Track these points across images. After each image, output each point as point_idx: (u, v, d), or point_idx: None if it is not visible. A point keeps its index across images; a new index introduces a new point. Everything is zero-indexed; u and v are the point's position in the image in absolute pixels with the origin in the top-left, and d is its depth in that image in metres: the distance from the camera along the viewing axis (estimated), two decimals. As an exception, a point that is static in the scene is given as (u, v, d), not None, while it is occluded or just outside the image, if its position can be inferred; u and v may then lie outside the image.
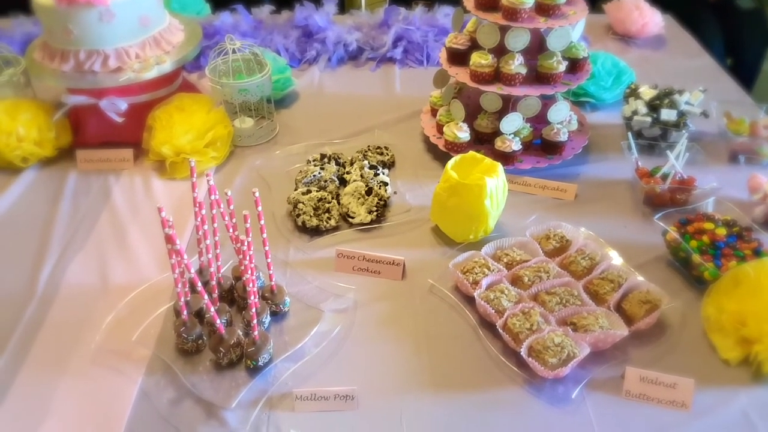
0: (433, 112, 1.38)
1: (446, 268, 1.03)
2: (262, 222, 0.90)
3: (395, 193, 1.23)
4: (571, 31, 1.16)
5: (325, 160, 1.27)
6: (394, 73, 1.64)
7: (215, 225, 0.94)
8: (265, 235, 0.91)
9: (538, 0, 1.13)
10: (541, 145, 1.28)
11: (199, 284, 0.84)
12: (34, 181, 1.27)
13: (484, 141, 1.28)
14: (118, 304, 1.00)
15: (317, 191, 1.18)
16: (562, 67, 1.18)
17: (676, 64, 1.71)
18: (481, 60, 1.17)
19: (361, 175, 1.21)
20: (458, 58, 1.24)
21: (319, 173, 1.22)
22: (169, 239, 0.81)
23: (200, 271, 1.01)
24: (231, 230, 0.94)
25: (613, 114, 1.47)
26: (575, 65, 1.23)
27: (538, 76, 1.20)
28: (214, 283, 0.94)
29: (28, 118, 1.27)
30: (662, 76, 1.60)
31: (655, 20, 1.77)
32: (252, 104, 1.38)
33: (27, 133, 1.26)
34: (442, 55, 1.28)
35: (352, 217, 1.15)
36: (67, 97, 1.27)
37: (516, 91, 1.18)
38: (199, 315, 0.96)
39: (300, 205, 1.15)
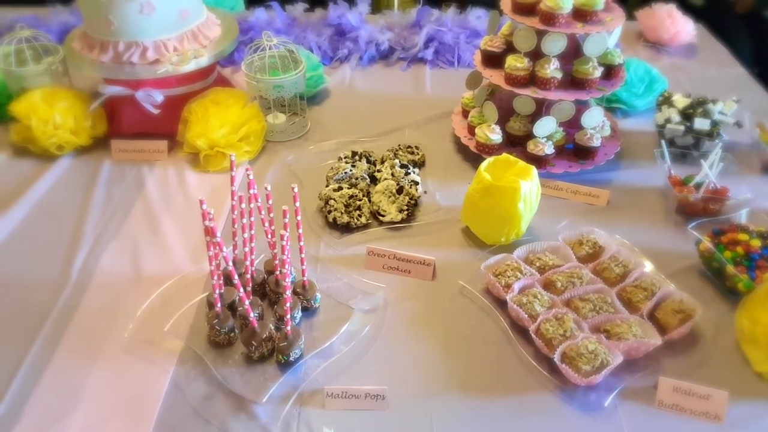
0: (465, 113, 1.38)
1: (477, 270, 1.03)
2: (299, 217, 0.90)
3: (425, 192, 1.23)
4: (607, 37, 1.15)
5: (357, 157, 1.28)
6: (424, 73, 1.64)
7: (252, 219, 0.95)
8: (301, 231, 0.92)
9: (576, 5, 1.12)
10: (574, 149, 1.28)
11: (236, 277, 0.85)
12: (68, 169, 1.29)
13: (515, 144, 1.28)
14: (150, 293, 1.01)
15: (348, 188, 1.18)
16: (598, 72, 1.18)
17: (707, 72, 1.70)
18: (516, 63, 1.17)
19: (392, 174, 1.22)
20: (493, 60, 1.24)
21: (351, 170, 1.23)
22: (210, 231, 0.82)
23: (233, 264, 1.02)
24: (266, 224, 0.94)
25: (644, 121, 1.46)
26: (610, 71, 1.22)
27: (572, 81, 1.20)
28: (248, 276, 0.95)
29: (65, 106, 1.29)
30: (693, 85, 1.58)
31: (687, 29, 1.75)
32: (286, 100, 1.39)
33: (63, 121, 1.28)
34: (477, 57, 1.28)
35: (383, 216, 1.15)
36: (104, 88, 1.29)
37: (551, 95, 1.17)
38: (232, 308, 0.97)
39: (331, 202, 1.16)
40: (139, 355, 0.92)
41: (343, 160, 1.27)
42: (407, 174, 1.21)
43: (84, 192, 1.23)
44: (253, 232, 0.92)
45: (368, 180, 1.23)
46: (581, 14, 1.13)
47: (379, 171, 1.25)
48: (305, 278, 0.97)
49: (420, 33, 1.68)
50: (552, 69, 1.16)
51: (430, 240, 1.13)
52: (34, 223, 1.16)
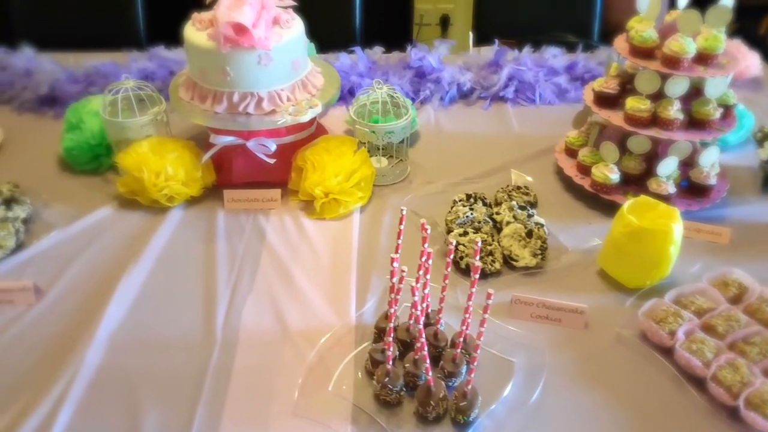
0: (569, 151, 1.39)
1: (630, 316, 1.02)
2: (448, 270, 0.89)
3: (549, 234, 1.22)
4: (727, 80, 1.18)
5: (472, 200, 1.27)
6: (507, 111, 1.66)
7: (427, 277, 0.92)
8: (474, 290, 0.89)
9: (698, 49, 1.15)
10: (688, 187, 1.29)
11: (423, 337, 0.83)
12: (182, 220, 1.26)
13: (630, 182, 1.28)
14: (302, 349, 0.99)
15: (474, 233, 1.17)
16: (718, 114, 1.20)
17: (779, 105, 1.73)
18: (639, 105, 1.18)
19: (514, 217, 1.21)
20: (607, 101, 1.26)
21: (471, 214, 1.22)
22: (405, 291, 0.81)
23: (385, 317, 1.00)
24: (421, 275, 0.92)
25: (737, 156, 1.47)
26: (725, 112, 1.24)
27: (691, 121, 1.22)
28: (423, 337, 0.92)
29: (174, 157, 1.27)
30: (768, 117, 1.62)
31: (755, 62, 1.79)
32: (393, 145, 1.38)
33: (175, 172, 1.26)
34: (588, 98, 1.30)
35: (515, 260, 1.15)
36: (216, 138, 1.27)
37: (675, 135, 1.19)
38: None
39: (461, 247, 1.15)
40: (310, 418, 0.89)
41: (459, 203, 1.27)
42: (530, 216, 1.21)
43: (205, 244, 1.20)
44: (427, 290, 0.90)
45: (491, 223, 1.22)
46: (703, 58, 1.15)
47: (498, 213, 1.24)
48: (465, 329, 0.95)
49: (499, 72, 1.69)
50: (674, 110, 1.18)
51: (566, 285, 1.12)
52: (163, 277, 1.13)
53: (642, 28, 1.17)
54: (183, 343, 1.00)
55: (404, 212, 0.90)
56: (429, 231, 0.86)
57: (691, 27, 1.12)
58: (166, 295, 1.10)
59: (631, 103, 1.20)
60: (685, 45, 1.12)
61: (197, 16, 1.26)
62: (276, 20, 1.25)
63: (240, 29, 1.15)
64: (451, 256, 0.89)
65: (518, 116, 1.65)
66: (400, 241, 0.91)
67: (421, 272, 0.88)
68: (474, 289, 0.83)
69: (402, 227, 0.91)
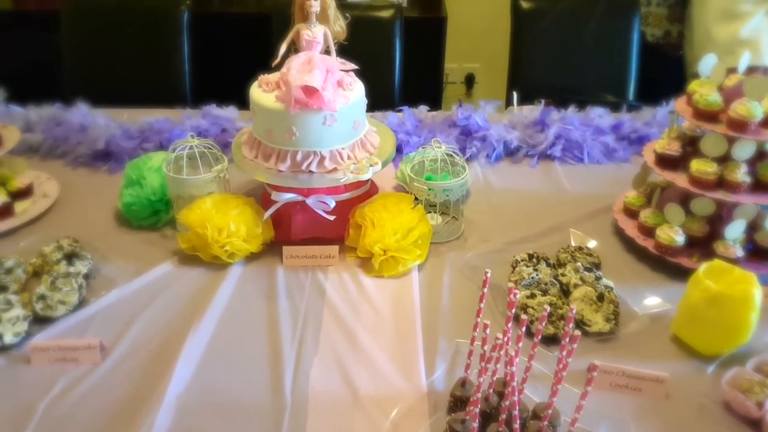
0: (627, 211, 1.38)
1: (711, 386, 0.99)
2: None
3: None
4: (792, 142, 1.18)
5: (534, 260, 1.26)
6: (555, 169, 1.66)
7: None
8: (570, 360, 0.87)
9: (765, 113, 1.15)
10: (753, 251, 1.27)
11: (516, 410, 0.80)
12: (242, 277, 1.26)
13: (693, 245, 1.27)
14: (373, 417, 0.96)
15: (542, 295, 1.15)
16: (785, 176, 1.19)
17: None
18: (706, 168, 1.18)
19: (582, 279, 1.19)
20: (669, 162, 1.26)
21: (537, 275, 1.20)
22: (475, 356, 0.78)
23: (461, 384, 0.97)
24: (516, 344, 0.90)
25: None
26: (789, 174, 1.24)
27: (757, 184, 1.21)
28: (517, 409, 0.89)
29: (236, 213, 1.28)
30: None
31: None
32: (451, 202, 1.39)
33: (237, 229, 1.26)
34: (649, 159, 1.30)
35: (588, 326, 1.12)
36: (278, 195, 1.29)
37: (742, 198, 1.18)
38: (471, 433, 0.90)
39: (530, 310, 1.12)
40: (392, 492, 0.85)
41: (521, 263, 1.25)
42: (598, 279, 1.19)
43: (267, 301, 1.19)
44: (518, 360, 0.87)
45: (557, 285, 1.20)
46: (769, 121, 1.16)
47: (563, 275, 1.22)
48: (552, 401, 0.92)
49: (546, 131, 1.72)
50: (742, 173, 1.18)
51: (640, 351, 1.09)
52: (228, 336, 1.11)
53: (706, 91, 1.19)
54: (252, 405, 0.98)
55: (488, 275, 0.88)
56: (517, 296, 0.85)
57: (758, 92, 1.13)
58: (231, 354, 1.08)
59: (697, 166, 1.20)
60: (752, 109, 1.13)
61: (264, 78, 1.30)
62: (340, 83, 1.28)
63: (310, 92, 1.18)
64: (544, 323, 0.87)
65: (568, 175, 1.65)
66: (482, 305, 0.90)
67: (506, 338, 0.85)
68: (570, 359, 0.80)
69: (485, 290, 0.89)
